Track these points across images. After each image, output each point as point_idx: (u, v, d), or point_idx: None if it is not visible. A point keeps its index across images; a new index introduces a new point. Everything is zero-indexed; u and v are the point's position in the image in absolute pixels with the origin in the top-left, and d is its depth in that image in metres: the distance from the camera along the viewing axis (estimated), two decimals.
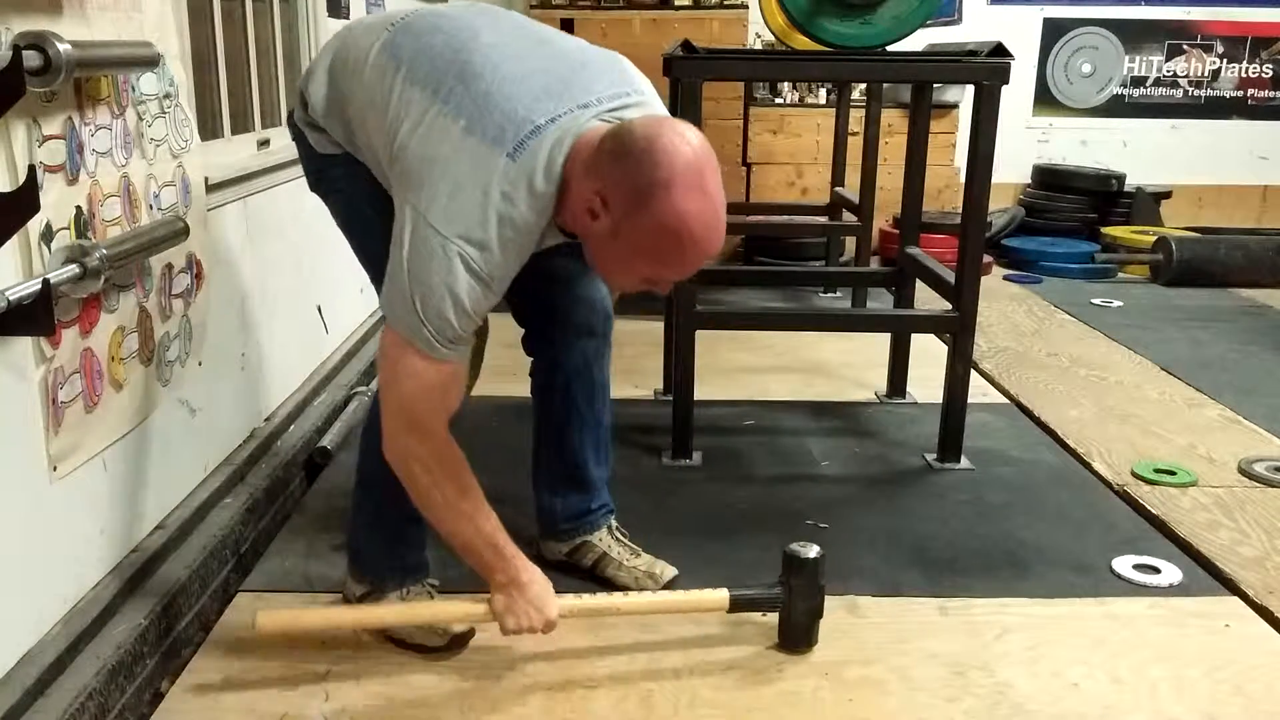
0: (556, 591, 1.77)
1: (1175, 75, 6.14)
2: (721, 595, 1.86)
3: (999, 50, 2.56)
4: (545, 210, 1.54)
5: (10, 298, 1.40)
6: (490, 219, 1.49)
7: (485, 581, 1.75)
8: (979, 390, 3.26)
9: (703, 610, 1.91)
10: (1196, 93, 6.17)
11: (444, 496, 1.66)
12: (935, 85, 3.66)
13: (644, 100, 1.63)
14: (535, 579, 1.75)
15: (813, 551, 1.84)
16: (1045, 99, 6.13)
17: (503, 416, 2.75)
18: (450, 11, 1.73)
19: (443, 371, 1.58)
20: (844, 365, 3.63)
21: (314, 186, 1.90)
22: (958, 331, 2.68)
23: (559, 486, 2.10)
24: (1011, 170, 5.83)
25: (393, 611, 1.86)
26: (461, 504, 1.67)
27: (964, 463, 2.78)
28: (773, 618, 1.90)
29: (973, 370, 2.84)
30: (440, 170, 1.51)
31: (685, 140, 1.46)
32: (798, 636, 1.88)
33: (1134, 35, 6.07)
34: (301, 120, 1.82)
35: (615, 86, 1.61)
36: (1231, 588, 2.17)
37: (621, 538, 2.13)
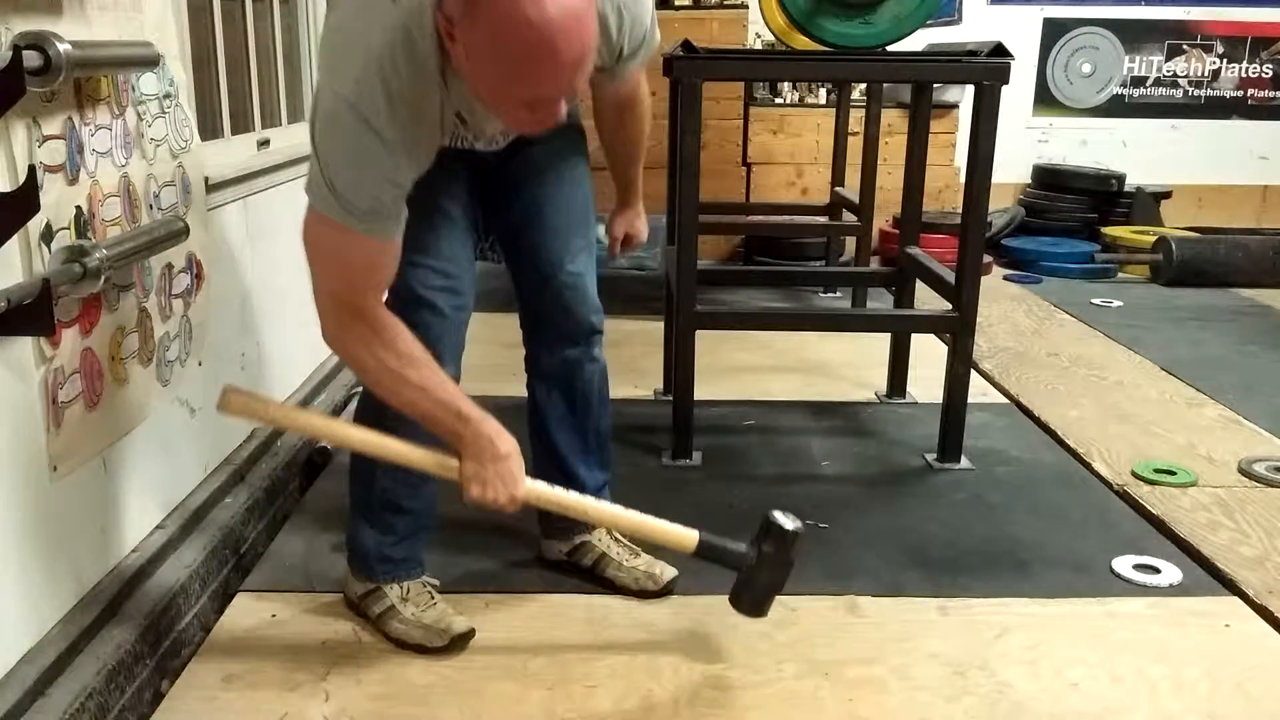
0: (555, 591, 1.76)
1: (1175, 75, 6.14)
2: (691, 536, 1.80)
3: (999, 50, 2.56)
4: (430, 50, 1.46)
5: (10, 298, 1.40)
6: (370, 66, 1.44)
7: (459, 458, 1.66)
8: (979, 390, 3.26)
9: (668, 544, 1.84)
10: (1196, 93, 6.17)
11: (390, 369, 1.58)
12: (935, 85, 3.66)
13: None
14: (507, 450, 1.65)
15: (791, 524, 1.77)
16: (1045, 99, 6.13)
17: (502, 417, 2.74)
18: None
19: (365, 248, 1.53)
20: (844, 365, 3.63)
21: None
22: (958, 331, 2.68)
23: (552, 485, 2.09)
24: (1011, 170, 5.83)
25: (361, 436, 1.71)
26: (408, 372, 1.59)
27: (964, 463, 2.78)
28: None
29: (973, 370, 2.84)
30: (335, 33, 1.52)
31: None
32: (746, 604, 1.82)
33: (1134, 35, 6.06)
34: None
35: None
36: (1231, 588, 2.17)
37: (621, 537, 2.13)
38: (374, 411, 1.85)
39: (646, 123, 2.03)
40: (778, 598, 1.91)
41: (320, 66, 1.56)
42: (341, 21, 1.54)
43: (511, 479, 1.66)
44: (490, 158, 1.83)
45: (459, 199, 1.83)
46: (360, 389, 2.61)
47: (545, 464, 2.08)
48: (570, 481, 2.09)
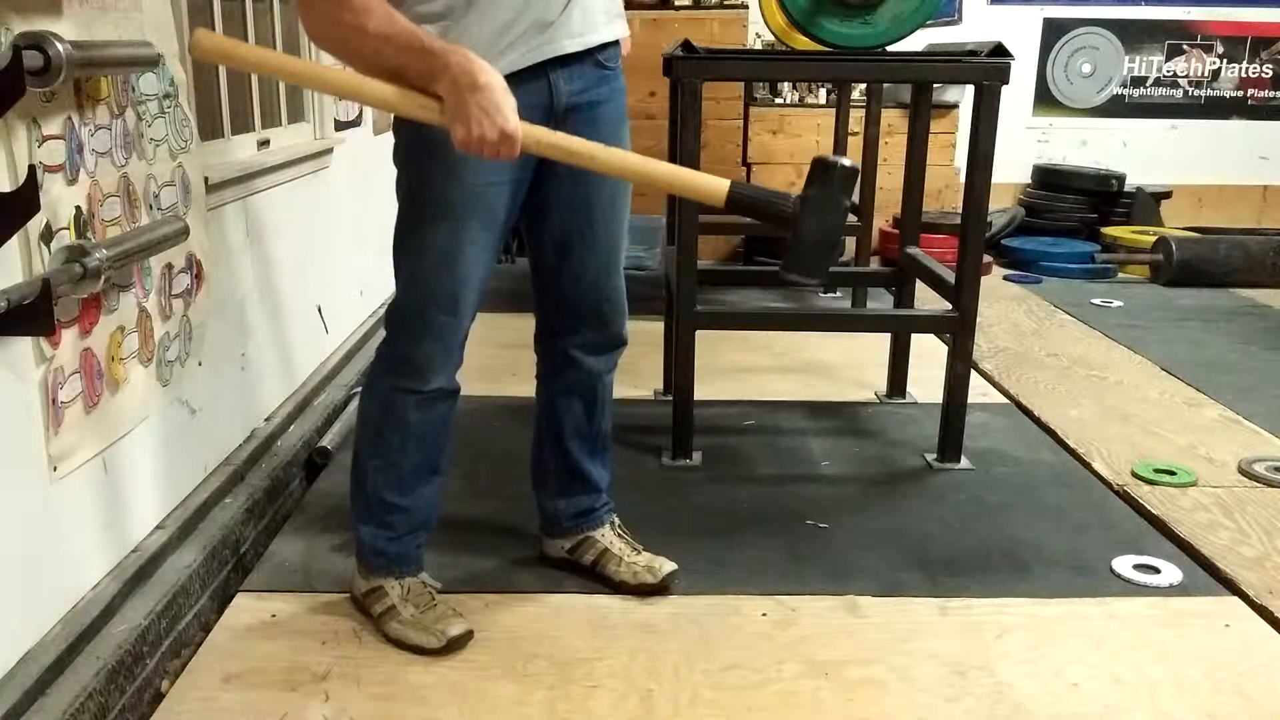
0: (555, 591, 1.76)
1: (1175, 75, 6.14)
2: (721, 184, 1.55)
3: (999, 50, 2.56)
4: None
5: (10, 298, 1.40)
6: None
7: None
8: (979, 390, 3.26)
9: (695, 193, 1.60)
10: (1196, 93, 6.17)
11: (350, 25, 1.50)
12: (935, 85, 3.66)
13: None
14: (486, 79, 1.50)
15: (847, 160, 1.51)
16: (1045, 99, 6.13)
17: (503, 417, 2.75)
18: None
19: None
20: (844, 365, 3.63)
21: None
22: (958, 331, 2.68)
23: (561, 486, 2.11)
24: (1011, 170, 5.83)
25: (336, 77, 1.62)
26: (366, 22, 1.49)
27: (964, 463, 2.78)
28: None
29: (973, 370, 2.84)
30: None
31: None
32: (805, 263, 1.56)
33: (1134, 35, 6.06)
34: None
35: None
36: (1231, 588, 2.17)
37: (623, 534, 2.13)
38: (374, 417, 1.86)
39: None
40: (778, 597, 1.91)
41: None
42: None
43: (496, 109, 1.49)
44: (539, 165, 1.78)
45: (500, 214, 1.78)
46: (359, 389, 2.61)
47: (556, 465, 2.09)
48: (583, 482, 2.10)
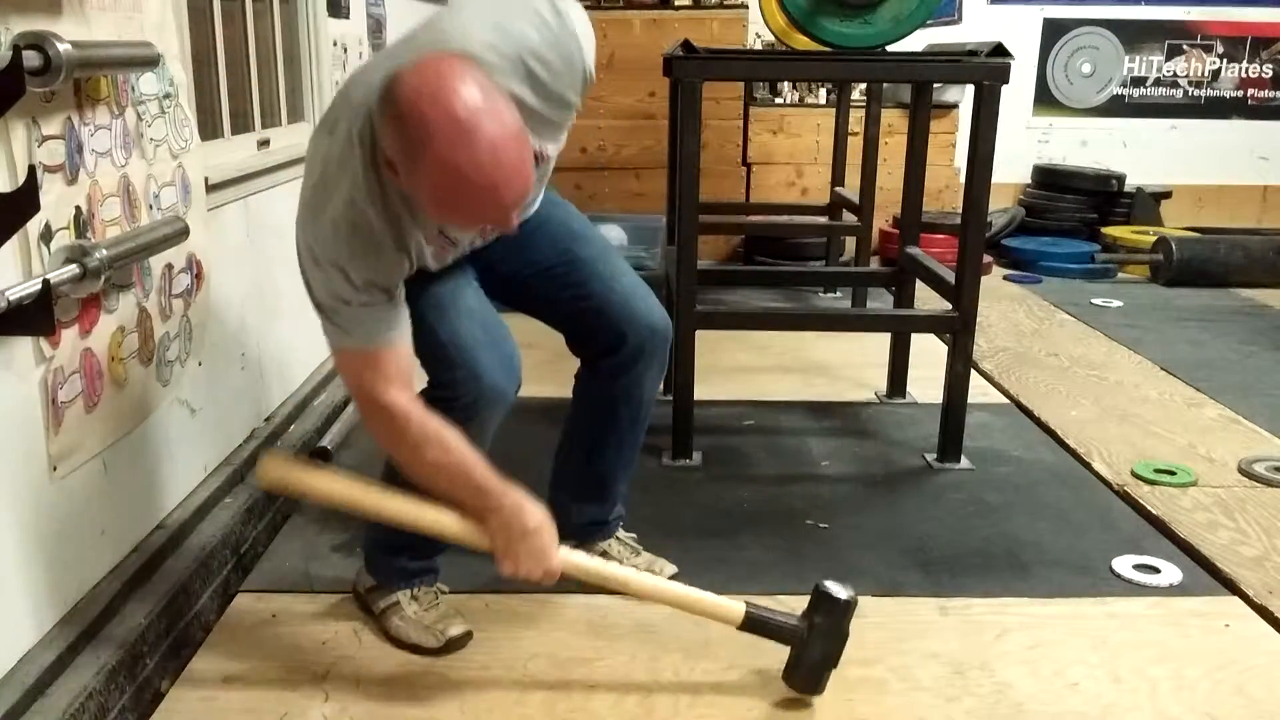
0: (556, 592, 1.76)
1: (1175, 75, 6.14)
2: (738, 608, 1.73)
3: (999, 50, 2.56)
4: (361, 178, 1.50)
5: (10, 298, 1.40)
6: (318, 202, 1.56)
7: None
8: (979, 390, 3.26)
9: (714, 617, 1.76)
10: (1196, 93, 6.17)
11: (410, 446, 1.63)
12: (935, 85, 3.66)
13: (441, 28, 1.55)
14: (536, 524, 1.64)
15: (845, 593, 1.70)
16: (1045, 99, 6.13)
17: (504, 417, 2.74)
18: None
19: (365, 355, 1.60)
20: (844, 365, 3.63)
21: None
22: (958, 331, 2.68)
23: (580, 494, 2.07)
24: (1011, 170, 5.83)
25: (399, 507, 1.69)
26: (446, 459, 1.62)
27: (964, 463, 2.78)
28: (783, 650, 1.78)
29: (973, 370, 2.84)
30: (312, 189, 1.60)
31: (443, 84, 1.36)
32: (807, 681, 1.73)
33: (1134, 35, 6.06)
34: None
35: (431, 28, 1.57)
36: (1231, 588, 2.17)
37: (622, 537, 2.13)
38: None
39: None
40: (778, 597, 1.91)
41: (297, 221, 1.65)
42: (320, 177, 1.57)
43: (543, 553, 1.65)
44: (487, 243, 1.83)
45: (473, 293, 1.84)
46: None
47: (581, 472, 2.07)
48: (602, 489, 2.07)
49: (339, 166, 1.52)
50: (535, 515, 1.65)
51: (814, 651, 1.72)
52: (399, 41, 1.63)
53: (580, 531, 2.10)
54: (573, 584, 2.08)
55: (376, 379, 1.61)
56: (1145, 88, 6.15)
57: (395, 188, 1.51)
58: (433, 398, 1.72)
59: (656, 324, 1.92)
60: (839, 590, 1.70)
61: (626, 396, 1.97)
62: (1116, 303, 4.74)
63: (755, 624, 1.73)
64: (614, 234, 4.38)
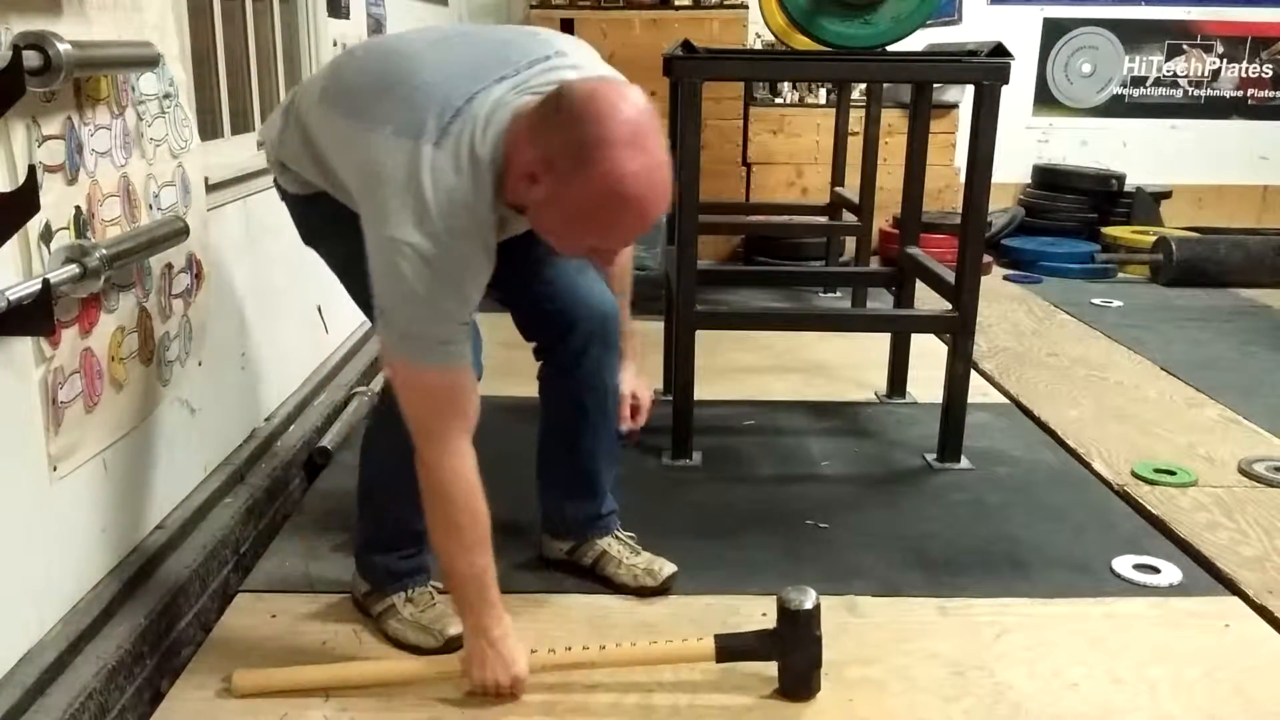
0: (555, 591, 1.76)
1: (1175, 75, 6.14)
2: (707, 644, 1.77)
3: (999, 50, 2.56)
4: (485, 187, 1.50)
5: (10, 298, 1.40)
6: (429, 209, 1.47)
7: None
8: (979, 390, 3.26)
9: (688, 660, 1.79)
10: (1196, 93, 6.17)
11: (454, 520, 1.64)
12: (935, 85, 3.66)
13: (572, 61, 1.61)
14: (508, 633, 1.70)
15: (809, 602, 1.72)
16: (1045, 99, 6.13)
17: (503, 417, 2.73)
18: (379, 41, 1.78)
19: (444, 377, 1.57)
20: (844, 365, 3.63)
21: (306, 239, 1.91)
22: (958, 331, 2.68)
23: (569, 490, 2.09)
24: (1011, 170, 5.83)
25: (361, 670, 1.79)
26: (470, 533, 1.64)
27: (964, 463, 2.78)
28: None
29: (973, 370, 2.84)
30: (376, 180, 1.51)
31: (625, 97, 1.42)
32: (798, 688, 1.76)
33: (1134, 35, 6.06)
34: (274, 164, 1.83)
35: (533, 53, 1.60)
36: (1231, 588, 2.17)
37: (620, 536, 2.13)
38: (373, 463, 1.87)
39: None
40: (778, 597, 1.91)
41: (362, 213, 1.56)
42: (373, 168, 1.52)
43: (511, 660, 1.68)
44: None
45: None
46: (359, 389, 2.62)
47: (564, 468, 2.08)
48: (588, 482, 2.08)
49: (457, 174, 1.48)
50: (509, 625, 1.70)
51: (795, 661, 1.75)
52: (497, 55, 1.60)
53: (577, 529, 2.10)
54: (571, 584, 2.10)
55: (454, 407, 1.60)
56: (1145, 88, 6.15)
57: (502, 203, 1.54)
58: None
59: (607, 309, 1.95)
60: (798, 601, 1.72)
61: (589, 385, 1.99)
62: (1116, 303, 4.74)
63: (729, 653, 1.77)
64: None
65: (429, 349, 1.54)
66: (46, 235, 1.57)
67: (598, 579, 2.09)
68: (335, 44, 3.17)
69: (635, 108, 1.42)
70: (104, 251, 1.62)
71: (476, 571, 1.66)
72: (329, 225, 1.77)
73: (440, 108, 1.50)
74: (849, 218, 4.27)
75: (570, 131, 1.41)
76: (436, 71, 1.56)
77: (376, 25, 3.65)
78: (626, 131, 1.40)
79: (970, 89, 2.64)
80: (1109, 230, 5.62)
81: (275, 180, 1.88)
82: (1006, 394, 3.38)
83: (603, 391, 2.01)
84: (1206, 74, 6.13)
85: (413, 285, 1.49)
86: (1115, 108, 6.16)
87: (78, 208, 1.65)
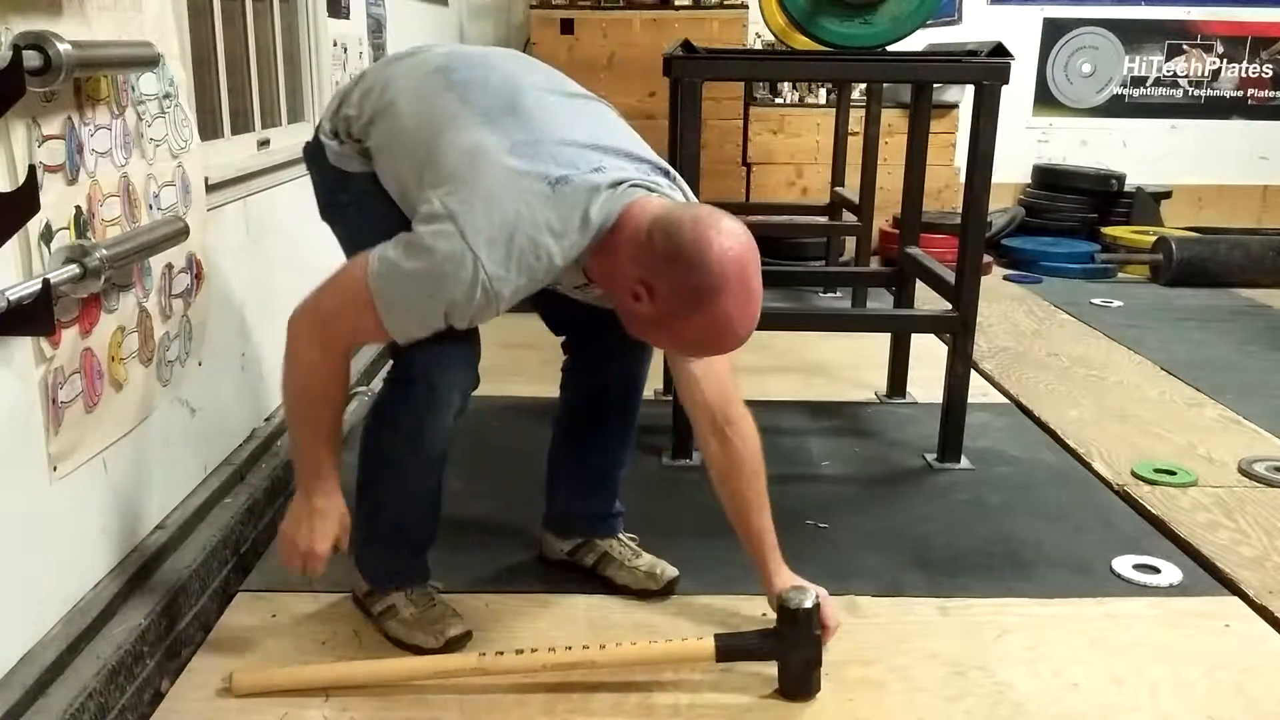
0: (555, 591, 1.75)
1: (1175, 75, 6.14)
2: (707, 644, 1.77)
3: (999, 50, 2.56)
4: (572, 252, 1.57)
5: (10, 298, 1.40)
6: (516, 241, 1.53)
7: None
8: (979, 390, 3.26)
9: (688, 660, 1.80)
10: (1196, 93, 6.17)
11: (314, 413, 1.72)
12: (935, 85, 3.66)
13: (671, 176, 1.75)
14: (330, 510, 1.75)
15: (808, 601, 1.74)
16: (1045, 99, 6.13)
17: (503, 417, 2.75)
18: (493, 53, 1.83)
19: (378, 322, 1.61)
20: (844, 365, 3.63)
21: (325, 211, 1.91)
22: (958, 331, 2.68)
23: (580, 486, 2.09)
24: (1011, 170, 5.83)
25: (361, 670, 1.80)
26: (324, 426, 1.73)
27: (964, 463, 2.78)
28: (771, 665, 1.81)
29: (973, 370, 2.84)
30: (480, 185, 1.55)
31: (734, 241, 1.51)
32: (798, 688, 1.76)
33: (1134, 35, 6.07)
34: (327, 132, 1.83)
35: (646, 154, 1.71)
36: (1231, 588, 2.17)
37: (623, 538, 2.13)
38: (372, 463, 1.89)
39: (753, 438, 1.91)
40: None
41: (436, 183, 1.59)
42: (481, 171, 1.57)
43: (320, 533, 1.74)
44: None
45: None
46: (359, 389, 2.63)
47: (578, 466, 2.08)
48: (601, 483, 2.09)
49: (562, 222, 1.55)
50: (336, 505, 1.76)
51: (794, 660, 1.76)
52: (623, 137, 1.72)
53: (585, 526, 2.10)
54: (572, 584, 2.10)
55: (352, 340, 1.72)
56: (1145, 88, 6.15)
57: (579, 266, 1.63)
58: (394, 379, 1.79)
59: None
60: (798, 600, 1.74)
61: (617, 382, 2.00)
62: (1116, 303, 4.74)
63: (730, 653, 1.78)
64: None
65: (393, 308, 1.58)
66: (47, 235, 1.57)
67: (598, 580, 2.09)
68: (335, 44, 3.17)
69: (743, 251, 1.52)
70: (104, 251, 1.62)
71: (318, 455, 1.74)
72: (352, 206, 1.82)
73: (568, 159, 1.58)
74: (849, 218, 4.27)
75: (686, 277, 1.50)
76: (565, 123, 1.65)
77: (376, 25, 3.65)
78: (737, 279, 1.50)
79: (970, 89, 2.64)
80: (1109, 230, 5.62)
81: (307, 146, 1.90)
82: (1006, 394, 3.38)
83: (626, 396, 2.02)
84: (1206, 74, 6.13)
85: (459, 290, 1.54)
86: (1115, 108, 6.16)
87: (78, 208, 1.65)
